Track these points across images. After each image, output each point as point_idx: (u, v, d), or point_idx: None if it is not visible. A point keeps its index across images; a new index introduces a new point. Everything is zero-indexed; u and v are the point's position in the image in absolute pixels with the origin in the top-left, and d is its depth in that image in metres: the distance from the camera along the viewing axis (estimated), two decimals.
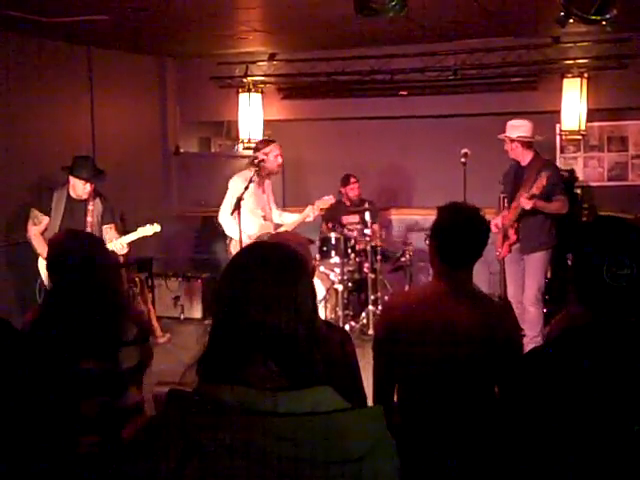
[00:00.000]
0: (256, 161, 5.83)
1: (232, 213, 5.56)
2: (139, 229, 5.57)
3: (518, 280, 5.84)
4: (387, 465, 1.33)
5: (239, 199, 5.40)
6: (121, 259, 6.37)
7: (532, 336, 5.52)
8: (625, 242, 1.71)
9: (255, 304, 1.36)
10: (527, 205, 5.51)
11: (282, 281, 1.39)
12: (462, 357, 2.56)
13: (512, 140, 5.69)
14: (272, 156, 5.87)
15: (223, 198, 5.87)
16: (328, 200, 6.06)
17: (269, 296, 1.37)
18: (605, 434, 1.59)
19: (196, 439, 1.30)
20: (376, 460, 1.31)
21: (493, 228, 5.84)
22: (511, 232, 5.75)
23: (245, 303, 1.37)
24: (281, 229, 5.97)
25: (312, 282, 1.47)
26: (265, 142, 6.01)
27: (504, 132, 5.75)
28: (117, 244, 5.41)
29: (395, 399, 2.75)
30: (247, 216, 5.80)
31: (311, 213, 5.98)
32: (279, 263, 1.42)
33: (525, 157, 5.71)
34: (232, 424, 1.29)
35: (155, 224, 5.61)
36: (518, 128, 5.69)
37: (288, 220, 6.08)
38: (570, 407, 1.62)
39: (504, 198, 6.00)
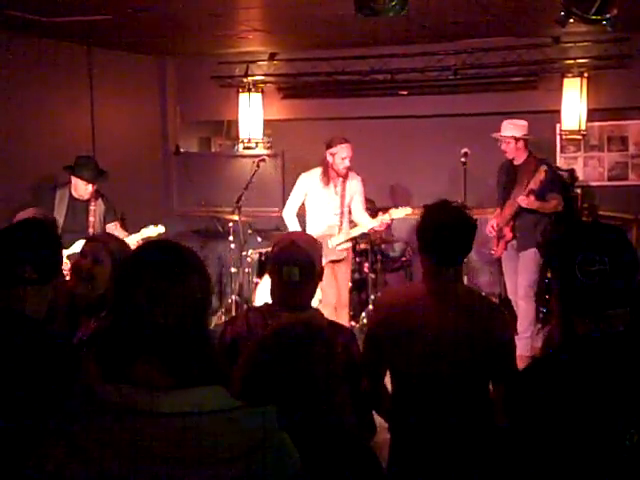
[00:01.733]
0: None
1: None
2: (143, 230, 5.58)
3: (514, 277, 5.87)
4: (271, 466, 1.32)
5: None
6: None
7: (521, 331, 5.56)
8: (595, 239, 1.73)
9: (140, 302, 1.36)
10: (523, 203, 5.54)
11: (167, 280, 1.39)
12: (449, 355, 2.57)
13: (518, 139, 5.68)
14: (339, 158, 5.60)
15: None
16: (403, 211, 5.77)
17: (154, 294, 1.37)
18: (611, 449, 1.59)
19: (78, 439, 1.30)
20: (256, 461, 1.30)
21: (489, 230, 5.86)
22: (506, 230, 5.77)
23: (131, 301, 1.37)
24: (355, 229, 5.82)
25: (203, 279, 1.45)
26: (337, 140, 5.62)
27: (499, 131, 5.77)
28: (132, 240, 5.44)
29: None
30: (312, 215, 5.77)
31: (377, 224, 5.74)
32: (165, 262, 1.42)
33: (523, 156, 5.74)
34: (113, 424, 1.29)
35: (159, 225, 5.62)
36: (522, 127, 5.70)
37: (365, 223, 5.79)
38: (575, 421, 1.62)
39: (498, 198, 5.99)
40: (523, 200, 5.53)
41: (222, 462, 1.28)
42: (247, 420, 1.34)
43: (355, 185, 5.79)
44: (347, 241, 5.84)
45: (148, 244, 1.53)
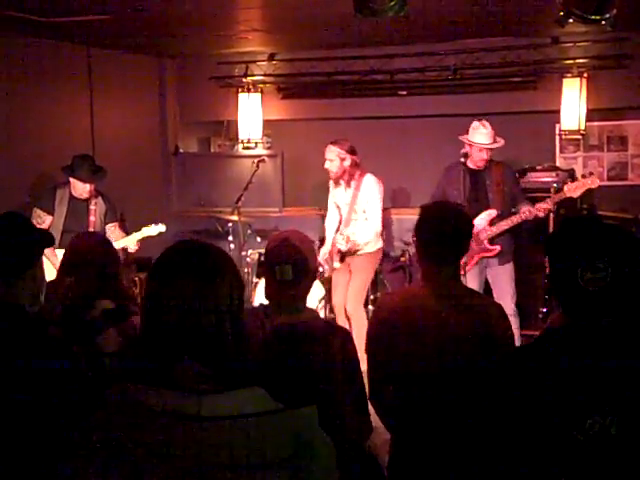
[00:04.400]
0: None
1: None
2: (144, 229, 5.57)
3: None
4: (316, 467, 1.32)
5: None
6: (121, 259, 6.39)
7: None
8: (598, 244, 1.70)
9: (175, 304, 1.36)
10: (543, 213, 5.20)
11: (201, 280, 1.38)
12: (450, 354, 2.58)
13: (493, 147, 5.32)
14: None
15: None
16: (342, 240, 5.55)
17: (188, 296, 1.36)
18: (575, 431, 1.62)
19: (121, 442, 1.29)
20: (302, 462, 1.30)
21: None
22: (487, 243, 5.34)
23: (166, 303, 1.36)
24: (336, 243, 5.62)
25: (237, 280, 1.44)
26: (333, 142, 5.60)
27: (466, 134, 5.40)
28: (130, 241, 5.43)
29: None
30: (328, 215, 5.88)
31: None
32: (197, 262, 1.41)
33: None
34: (156, 428, 1.28)
35: (160, 224, 5.61)
36: (494, 133, 5.35)
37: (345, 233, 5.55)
38: (544, 406, 1.65)
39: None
40: (545, 210, 5.19)
41: (271, 465, 1.27)
42: (292, 421, 1.33)
43: (368, 192, 5.58)
44: (339, 252, 5.59)
45: (177, 246, 1.51)
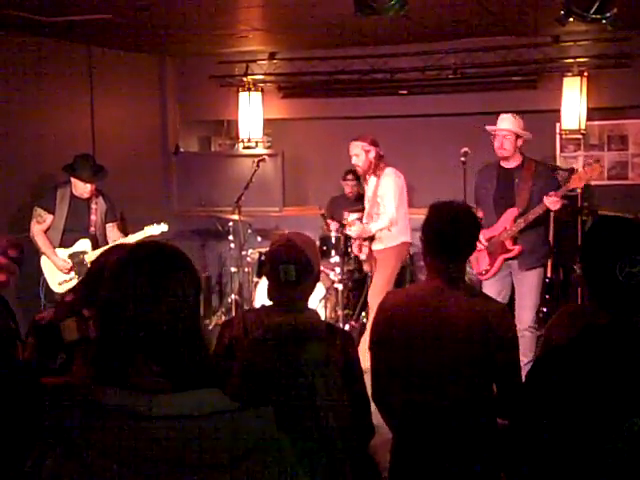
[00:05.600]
0: None
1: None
2: (146, 228, 5.57)
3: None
4: (268, 468, 1.32)
5: None
6: None
7: (526, 362, 4.28)
8: (636, 240, 1.74)
9: (129, 303, 1.36)
10: (556, 205, 4.83)
11: (155, 279, 1.38)
12: (453, 354, 2.58)
13: (518, 136, 5.06)
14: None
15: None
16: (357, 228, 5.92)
17: (142, 295, 1.37)
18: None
19: (76, 441, 1.29)
20: (254, 463, 1.30)
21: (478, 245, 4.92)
22: (509, 243, 5.05)
23: (121, 303, 1.37)
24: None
25: (193, 279, 1.45)
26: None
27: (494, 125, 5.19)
28: (135, 239, 5.46)
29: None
30: None
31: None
32: (151, 263, 1.42)
33: (519, 157, 5.11)
34: (108, 426, 1.29)
35: (162, 223, 5.61)
36: (520, 123, 5.11)
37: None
38: (590, 407, 1.63)
39: (486, 206, 5.21)
40: (556, 202, 4.81)
41: (222, 465, 1.28)
42: (246, 422, 1.33)
43: (384, 184, 5.80)
44: (359, 239, 5.96)
45: (136, 247, 1.52)
